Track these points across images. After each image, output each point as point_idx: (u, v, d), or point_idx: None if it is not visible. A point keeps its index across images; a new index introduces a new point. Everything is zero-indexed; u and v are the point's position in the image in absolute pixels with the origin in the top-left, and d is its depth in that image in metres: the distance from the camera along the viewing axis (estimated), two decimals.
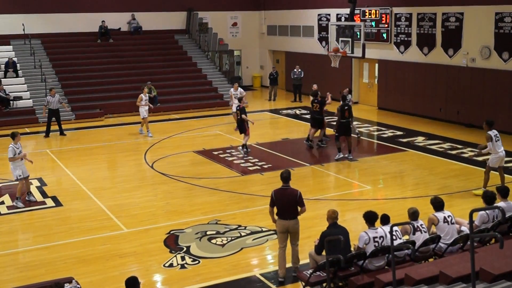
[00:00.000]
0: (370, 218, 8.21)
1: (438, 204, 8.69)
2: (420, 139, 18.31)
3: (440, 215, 8.55)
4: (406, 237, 8.50)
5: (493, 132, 12.35)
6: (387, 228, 8.01)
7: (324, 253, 8.05)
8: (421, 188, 13.34)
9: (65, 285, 7.29)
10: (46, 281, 7.91)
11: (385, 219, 8.40)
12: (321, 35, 27.03)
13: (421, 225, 8.39)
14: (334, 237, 7.80)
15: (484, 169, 12.87)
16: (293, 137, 19.10)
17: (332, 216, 8.27)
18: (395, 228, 8.11)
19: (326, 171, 15.17)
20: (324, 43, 26.44)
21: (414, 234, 8.30)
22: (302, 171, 15.05)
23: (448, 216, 8.54)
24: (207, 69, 27.68)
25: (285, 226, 8.80)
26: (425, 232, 8.37)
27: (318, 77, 27.04)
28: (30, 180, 13.33)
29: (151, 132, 19.18)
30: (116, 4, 28.32)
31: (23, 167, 12.77)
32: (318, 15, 27.12)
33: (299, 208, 8.80)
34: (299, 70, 26.45)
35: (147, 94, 19.68)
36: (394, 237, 7.94)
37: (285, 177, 8.84)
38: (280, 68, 30.34)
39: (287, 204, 8.74)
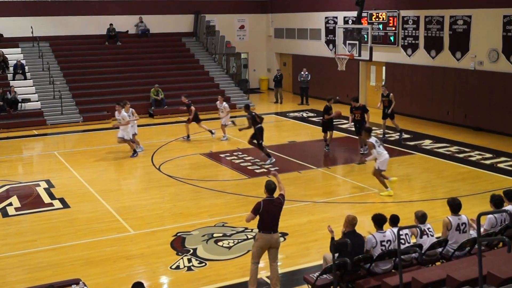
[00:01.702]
0: (378, 221, 8.15)
1: (455, 206, 8.46)
2: (427, 142, 18.26)
3: (455, 221, 8.36)
4: (413, 240, 8.47)
5: (373, 139, 13.12)
6: (395, 231, 7.97)
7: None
8: (428, 191, 13.31)
9: (73, 286, 7.31)
10: (53, 282, 7.93)
11: (395, 220, 8.35)
12: (328, 38, 27.02)
13: (428, 228, 8.35)
14: (342, 240, 7.75)
15: (484, 171, 12.81)
16: (300, 140, 19.08)
17: (352, 223, 8.04)
18: (404, 231, 8.09)
19: (333, 174, 15.16)
20: (331, 46, 26.43)
21: (421, 237, 8.26)
22: (309, 174, 15.04)
23: (463, 224, 8.36)
24: (214, 71, 27.73)
25: (270, 241, 8.37)
26: (432, 235, 8.33)
27: (325, 80, 27.09)
28: (38, 182, 13.33)
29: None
30: (124, 7, 28.43)
31: None
32: (325, 18, 27.12)
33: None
34: (306, 73, 26.45)
35: (130, 109, 17.21)
36: (402, 241, 7.93)
37: (273, 189, 8.43)
38: (287, 71, 30.36)
39: (274, 216, 8.37)
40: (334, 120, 17.76)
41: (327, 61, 26.31)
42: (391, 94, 18.56)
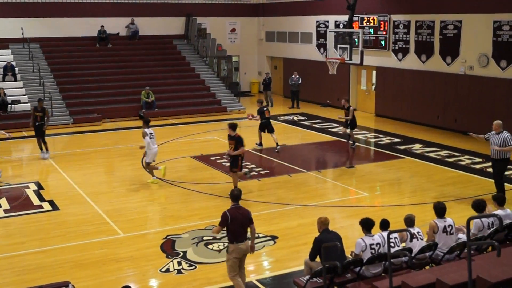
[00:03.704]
0: (366, 225, 8.18)
1: (440, 210, 8.59)
2: (417, 146, 18.35)
3: (441, 223, 8.46)
4: (403, 244, 8.50)
5: (149, 130, 14.18)
6: (385, 234, 8.01)
7: (318, 259, 8.06)
8: (418, 195, 13.37)
9: None
10: (42, 285, 7.88)
11: (385, 225, 8.40)
12: (319, 41, 27.11)
13: (417, 232, 8.39)
14: (330, 244, 7.80)
15: (482, 176, 12.90)
16: (291, 143, 19.10)
17: (325, 223, 8.24)
18: (394, 235, 8.12)
19: (323, 177, 15.19)
20: (322, 49, 26.51)
21: (411, 241, 8.30)
22: (299, 177, 15.06)
23: (449, 226, 8.45)
24: (205, 74, 27.72)
25: (243, 249, 8.26)
26: (422, 239, 8.37)
27: (316, 83, 27.15)
28: (27, 184, 13.29)
29: None
30: (115, 9, 28.35)
31: None
32: (317, 21, 27.20)
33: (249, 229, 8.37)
34: (297, 76, 26.50)
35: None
36: (392, 244, 7.96)
37: (237, 195, 8.40)
38: (278, 75, 30.42)
39: (242, 225, 8.24)
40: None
41: (318, 64, 26.38)
42: (351, 107, 18.19)
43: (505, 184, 12.87)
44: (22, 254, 10.37)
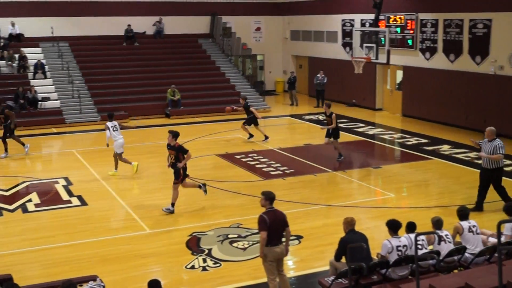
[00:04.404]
0: (393, 226, 8.12)
1: (462, 213, 8.60)
2: (445, 147, 18.13)
3: (465, 224, 8.46)
4: (431, 247, 8.42)
5: (111, 123, 14.97)
6: (412, 236, 7.94)
7: (343, 259, 8.03)
8: (446, 197, 13.21)
9: (90, 282, 7.37)
10: (70, 278, 8.00)
11: (411, 227, 8.31)
12: (345, 40, 26.96)
13: (445, 235, 8.29)
14: (356, 245, 7.77)
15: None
16: (315, 142, 19.06)
17: (351, 223, 8.17)
18: (421, 237, 8.05)
19: (349, 177, 15.12)
20: (348, 48, 26.37)
21: (439, 244, 8.21)
22: (324, 177, 15.02)
23: (473, 226, 8.45)
24: (230, 73, 27.80)
25: (278, 253, 8.08)
26: (450, 242, 8.27)
27: (341, 83, 27.03)
28: (57, 179, 13.55)
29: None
30: (141, 9, 28.61)
31: None
32: (342, 20, 27.06)
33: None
34: (323, 75, 26.40)
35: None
36: (419, 247, 7.88)
37: (273, 198, 8.13)
38: (303, 74, 30.35)
39: (279, 228, 8.05)
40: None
41: (343, 63, 26.25)
42: (334, 114, 16.16)
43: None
44: (51, 247, 10.56)
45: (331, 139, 16.29)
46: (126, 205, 12.82)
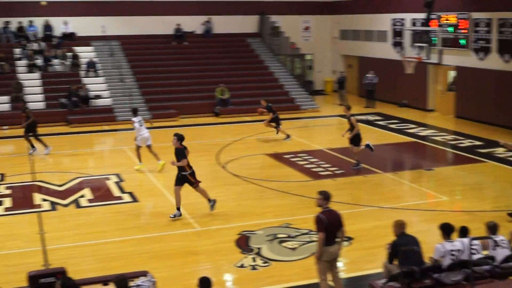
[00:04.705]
0: (446, 230, 7.94)
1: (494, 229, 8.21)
2: (500, 150, 17.56)
3: None
4: (485, 252, 8.19)
5: (137, 118, 15.60)
6: (466, 241, 7.75)
7: (395, 262, 7.90)
8: (501, 201, 12.80)
9: (141, 278, 7.46)
10: (123, 273, 8.13)
11: (464, 231, 8.12)
12: (395, 40, 26.56)
13: (501, 240, 8.05)
14: (409, 248, 7.64)
15: None
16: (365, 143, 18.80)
17: (402, 226, 8.04)
18: (475, 242, 7.85)
19: (400, 179, 14.87)
20: (398, 48, 25.96)
21: (494, 249, 7.98)
22: (374, 178, 14.82)
23: None
24: (278, 72, 27.78)
25: (332, 253, 8.03)
26: (506, 247, 8.03)
27: (391, 83, 26.64)
28: (109, 176, 13.83)
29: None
30: (190, 8, 28.90)
31: None
32: (393, 19, 26.65)
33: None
34: (373, 75, 26.09)
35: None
36: (474, 252, 7.69)
37: (329, 197, 8.10)
38: (353, 73, 30.05)
39: (335, 228, 7.98)
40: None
41: (394, 63, 25.85)
42: (353, 117, 15.27)
43: None
44: (103, 242, 10.79)
45: (356, 147, 15.28)
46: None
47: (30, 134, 17.37)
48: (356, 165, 15.37)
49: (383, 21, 27.33)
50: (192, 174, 11.95)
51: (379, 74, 26.30)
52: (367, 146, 15.34)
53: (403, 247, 7.68)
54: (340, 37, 31.10)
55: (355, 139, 15.21)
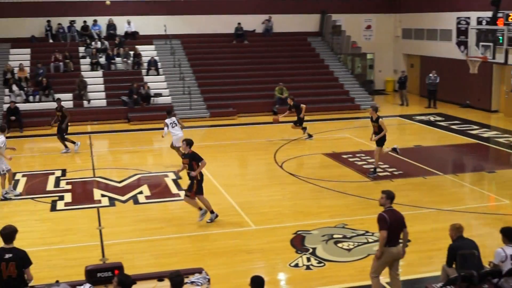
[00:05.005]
0: (508, 234, 7.70)
1: None
2: None
3: None
4: None
5: (169, 120, 15.74)
6: None
7: (454, 265, 7.70)
8: None
9: (196, 274, 7.55)
10: (178, 269, 8.26)
11: None
12: (459, 39, 25.77)
13: None
14: (467, 251, 7.44)
15: None
16: (426, 144, 18.39)
17: (459, 230, 7.86)
18: None
19: (460, 181, 14.44)
20: (462, 47, 25.20)
21: None
22: (435, 180, 14.45)
23: None
24: (339, 72, 27.51)
25: (394, 254, 7.94)
26: None
27: (454, 83, 25.89)
28: (167, 173, 14.04)
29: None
30: (251, 7, 29.04)
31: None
32: (457, 18, 25.85)
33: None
34: (435, 75, 25.44)
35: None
36: None
37: (393, 197, 8.01)
38: (415, 73, 29.41)
39: (397, 228, 7.90)
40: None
41: (457, 63, 25.13)
42: (381, 119, 14.27)
43: None
44: (160, 239, 10.97)
45: (384, 149, 14.48)
46: (232, 200, 13.05)
47: (60, 134, 17.62)
48: (373, 172, 14.65)
49: (448, 20, 26.57)
50: (198, 183, 11.38)
51: (441, 74, 25.62)
52: (394, 149, 14.70)
53: (461, 251, 7.49)
54: (402, 36, 30.48)
55: (380, 140, 14.33)
